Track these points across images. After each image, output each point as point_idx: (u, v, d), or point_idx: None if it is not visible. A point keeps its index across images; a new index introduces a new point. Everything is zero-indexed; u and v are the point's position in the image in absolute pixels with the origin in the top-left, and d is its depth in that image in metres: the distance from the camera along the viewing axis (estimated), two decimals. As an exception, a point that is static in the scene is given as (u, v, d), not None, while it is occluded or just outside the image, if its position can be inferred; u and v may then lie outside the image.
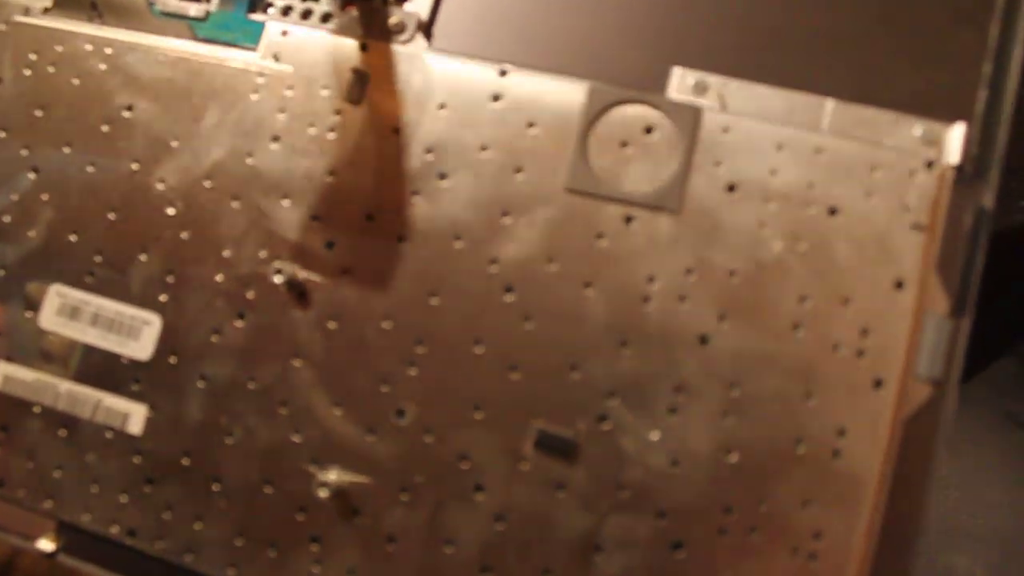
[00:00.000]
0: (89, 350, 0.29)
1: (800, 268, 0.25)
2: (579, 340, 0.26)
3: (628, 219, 0.26)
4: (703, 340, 0.25)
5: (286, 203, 0.28)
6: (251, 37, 0.29)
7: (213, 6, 0.30)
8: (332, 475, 0.26)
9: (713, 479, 0.25)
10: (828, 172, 0.25)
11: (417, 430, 0.26)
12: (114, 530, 0.28)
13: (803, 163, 0.26)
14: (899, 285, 0.25)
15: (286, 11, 0.29)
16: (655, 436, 0.25)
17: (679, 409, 0.25)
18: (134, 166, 0.29)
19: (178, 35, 0.30)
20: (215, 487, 0.27)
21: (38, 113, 0.30)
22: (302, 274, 0.27)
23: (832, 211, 0.25)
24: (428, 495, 0.26)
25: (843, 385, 0.24)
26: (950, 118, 0.25)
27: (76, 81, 0.30)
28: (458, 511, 0.26)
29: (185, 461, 0.27)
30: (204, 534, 0.27)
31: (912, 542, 0.23)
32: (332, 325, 0.27)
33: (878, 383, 0.24)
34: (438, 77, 0.28)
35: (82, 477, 0.28)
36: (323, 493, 0.26)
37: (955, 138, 0.25)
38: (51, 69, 0.30)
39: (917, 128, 0.25)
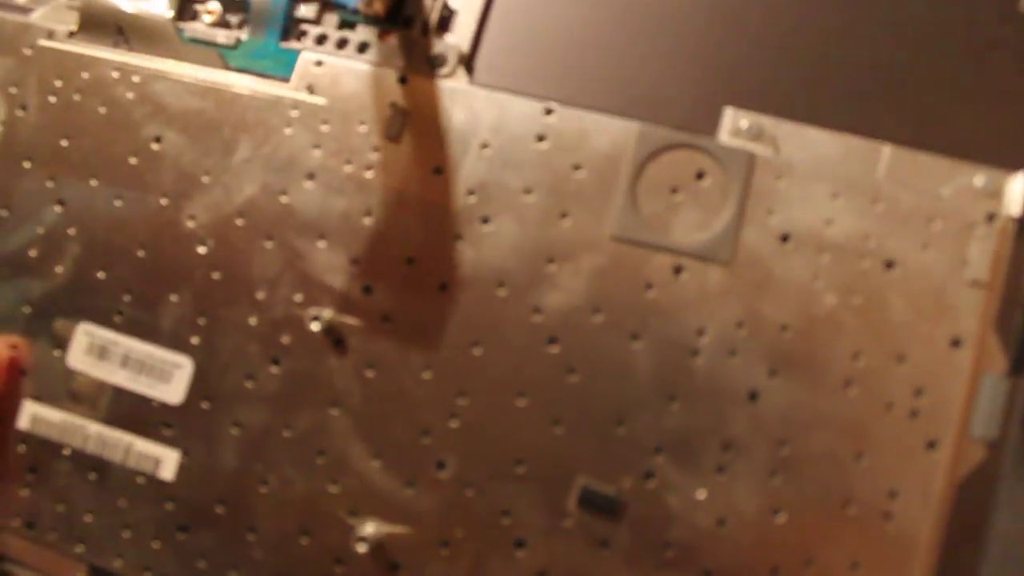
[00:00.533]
0: (119, 392, 0.28)
1: (854, 323, 0.24)
2: (625, 394, 0.25)
3: (677, 269, 0.25)
4: (752, 396, 0.25)
5: (322, 244, 0.27)
6: (284, 67, 0.28)
7: (244, 34, 0.29)
8: (370, 527, 0.26)
9: (760, 539, 0.24)
10: (884, 223, 0.25)
11: (457, 483, 0.26)
12: (147, 577, 0.27)
13: (859, 213, 0.25)
14: (956, 343, 0.24)
15: (320, 40, 0.28)
16: (702, 494, 0.25)
17: (727, 467, 0.24)
18: (163, 201, 0.28)
19: (208, 63, 0.29)
20: (250, 536, 0.27)
21: (63, 143, 0.29)
22: (339, 320, 0.27)
23: (888, 264, 0.24)
24: (468, 550, 0.26)
25: (896, 446, 0.24)
26: (1012, 166, 0.24)
27: (103, 110, 0.29)
28: (499, 567, 0.25)
29: (219, 509, 0.27)
30: (239, 584, 0.27)
31: (965, 609, 0.23)
32: (370, 373, 0.26)
33: (931, 444, 0.24)
34: (481, 114, 0.27)
35: (114, 522, 0.27)
36: (362, 548, 0.25)
37: (1017, 188, 0.24)
38: (77, 97, 0.29)
39: (978, 178, 0.24)
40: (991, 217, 0.24)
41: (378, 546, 0.26)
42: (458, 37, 0.27)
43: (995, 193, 0.24)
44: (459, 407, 0.26)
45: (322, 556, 0.26)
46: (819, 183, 0.25)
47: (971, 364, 0.24)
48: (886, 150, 0.25)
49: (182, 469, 0.27)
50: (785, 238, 0.25)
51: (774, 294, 0.25)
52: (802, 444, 0.24)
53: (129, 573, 0.27)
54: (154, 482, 0.27)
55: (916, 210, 0.24)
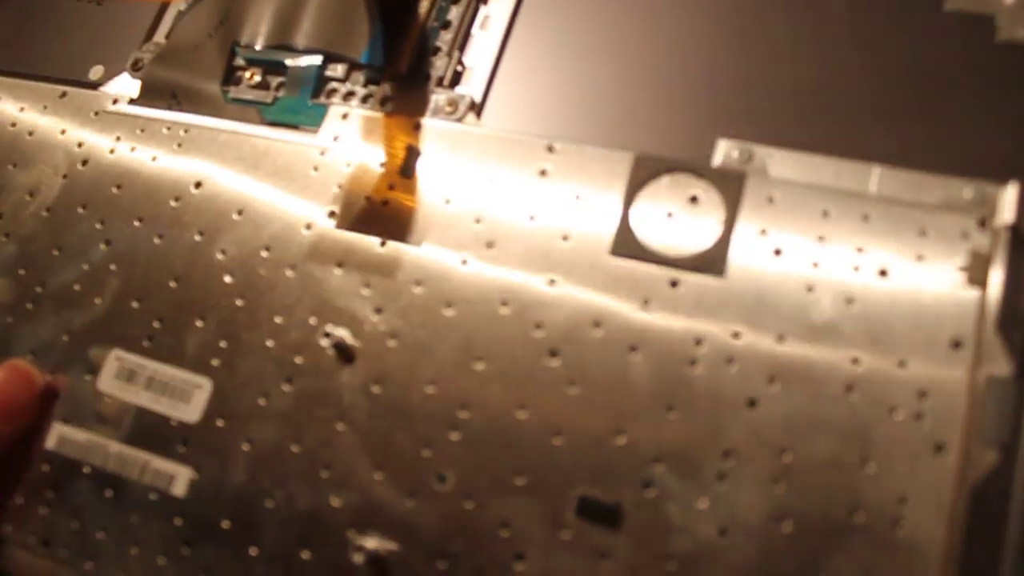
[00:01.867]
0: (141, 412, 0.29)
1: (852, 330, 0.24)
2: (624, 404, 0.25)
3: (674, 283, 0.26)
4: (752, 403, 0.24)
5: (338, 272, 0.29)
6: (314, 120, 0.31)
7: (280, 93, 0.32)
8: (370, 542, 0.26)
9: (765, 549, 0.23)
10: (876, 236, 0.25)
11: (457, 496, 0.26)
12: (150, 593, 0.27)
13: (850, 229, 0.25)
14: (956, 345, 0.24)
15: (347, 96, 0.31)
16: (703, 504, 0.24)
17: (728, 475, 0.24)
18: (197, 237, 0.31)
19: (247, 119, 0.32)
20: (253, 551, 0.27)
21: (114, 190, 0.32)
22: (350, 339, 0.28)
23: (882, 273, 0.25)
24: (466, 563, 0.25)
25: (902, 449, 0.23)
26: (999, 180, 0.25)
27: (152, 160, 0.32)
28: (496, 581, 0.25)
29: (225, 524, 0.27)
30: (239, 599, 0.26)
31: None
32: (376, 389, 0.27)
33: (939, 447, 0.23)
34: (488, 153, 0.29)
35: (123, 538, 0.28)
36: (358, 558, 0.25)
37: (1009, 197, 0.24)
38: (131, 150, 0.33)
39: (967, 190, 0.25)
40: (982, 223, 0.24)
41: (376, 559, 0.25)
42: (470, 88, 0.30)
43: (984, 203, 0.25)
44: (461, 420, 0.26)
45: (322, 570, 0.26)
46: (810, 202, 0.26)
47: (973, 365, 0.23)
48: (876, 170, 0.26)
49: (193, 485, 0.28)
50: (778, 252, 0.26)
51: (770, 305, 0.25)
52: (804, 450, 0.24)
53: (133, 590, 0.27)
54: (166, 498, 0.28)
55: (907, 222, 0.25)
